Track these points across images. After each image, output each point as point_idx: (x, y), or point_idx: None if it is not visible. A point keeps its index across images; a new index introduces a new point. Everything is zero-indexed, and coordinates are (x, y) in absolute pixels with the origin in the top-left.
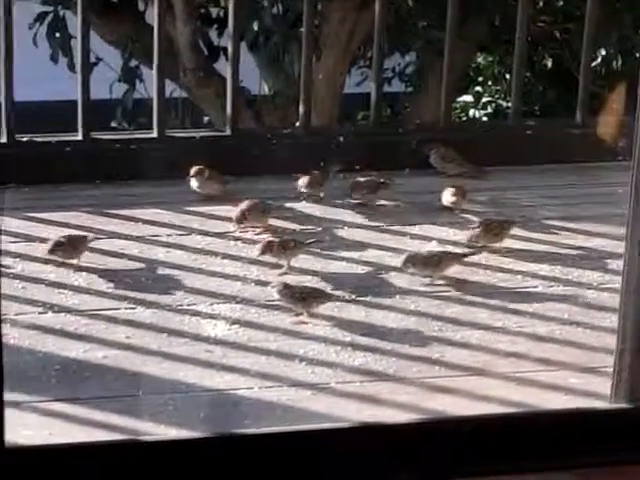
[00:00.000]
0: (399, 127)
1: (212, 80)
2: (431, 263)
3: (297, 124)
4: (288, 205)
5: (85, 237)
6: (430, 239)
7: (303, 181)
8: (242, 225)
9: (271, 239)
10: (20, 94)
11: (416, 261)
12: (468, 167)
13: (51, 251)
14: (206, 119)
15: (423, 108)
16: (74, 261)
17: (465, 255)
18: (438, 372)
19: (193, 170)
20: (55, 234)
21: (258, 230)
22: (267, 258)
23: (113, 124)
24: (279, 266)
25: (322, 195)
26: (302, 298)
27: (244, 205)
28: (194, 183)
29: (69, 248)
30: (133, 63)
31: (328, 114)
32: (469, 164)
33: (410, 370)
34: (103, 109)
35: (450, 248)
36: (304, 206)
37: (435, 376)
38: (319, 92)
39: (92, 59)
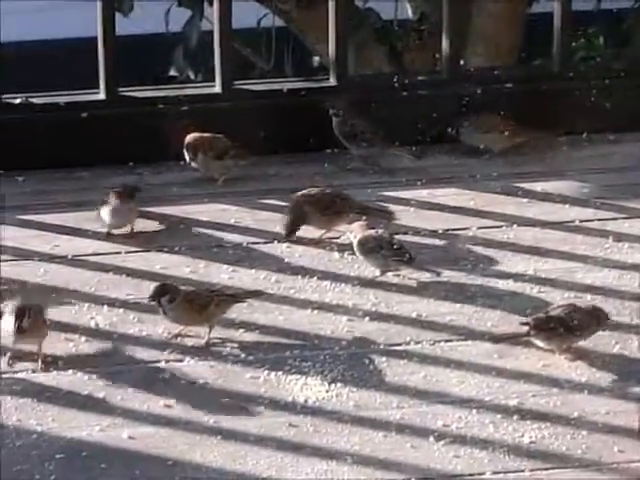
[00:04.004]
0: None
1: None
2: None
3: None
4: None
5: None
6: None
7: None
8: None
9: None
10: None
11: None
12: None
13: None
14: (316, 60)
15: None
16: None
17: None
18: None
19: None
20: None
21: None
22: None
23: (172, 72)
24: (413, 290)
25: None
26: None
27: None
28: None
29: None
30: None
31: (503, 51)
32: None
33: (610, 450)
34: (156, 50)
35: None
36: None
37: None
38: (489, 19)
39: None
